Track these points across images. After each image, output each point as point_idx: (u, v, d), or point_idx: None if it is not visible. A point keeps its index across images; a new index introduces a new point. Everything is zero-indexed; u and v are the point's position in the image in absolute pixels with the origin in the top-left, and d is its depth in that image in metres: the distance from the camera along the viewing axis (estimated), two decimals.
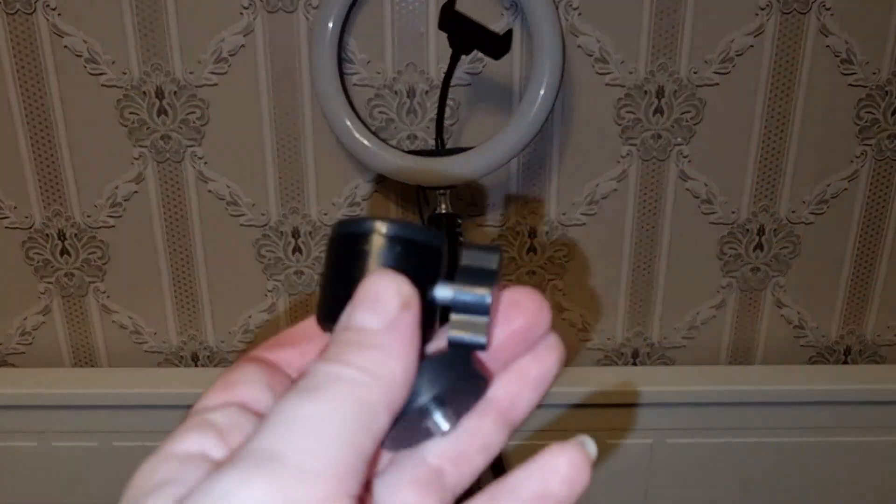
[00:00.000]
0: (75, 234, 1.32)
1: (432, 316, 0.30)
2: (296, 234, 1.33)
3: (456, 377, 0.29)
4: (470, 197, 1.32)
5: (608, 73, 1.25)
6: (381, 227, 0.30)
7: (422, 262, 0.30)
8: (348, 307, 0.28)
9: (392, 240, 0.29)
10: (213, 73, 1.23)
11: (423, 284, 0.30)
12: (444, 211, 1.19)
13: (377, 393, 0.26)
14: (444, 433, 0.30)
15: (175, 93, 1.24)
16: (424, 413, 0.29)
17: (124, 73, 1.23)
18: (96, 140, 1.27)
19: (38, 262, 1.34)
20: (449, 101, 1.24)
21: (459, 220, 1.19)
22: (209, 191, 1.30)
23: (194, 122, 1.26)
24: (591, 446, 0.29)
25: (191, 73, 1.23)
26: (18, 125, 1.26)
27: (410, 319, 0.27)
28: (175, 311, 1.37)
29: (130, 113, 1.25)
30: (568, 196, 1.32)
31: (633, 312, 1.40)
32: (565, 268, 1.37)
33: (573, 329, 1.41)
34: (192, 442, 0.27)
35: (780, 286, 1.39)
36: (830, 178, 1.32)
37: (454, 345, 0.29)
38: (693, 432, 1.37)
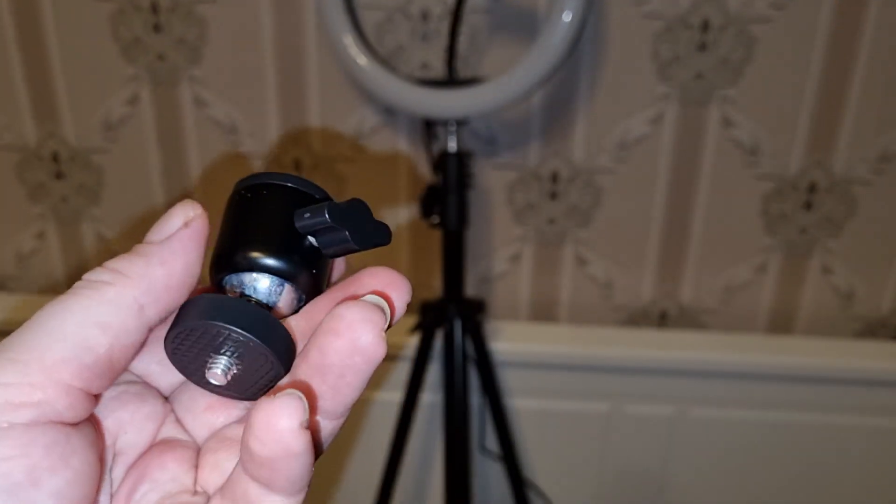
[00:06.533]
0: (70, 157, 1.25)
1: (316, 255, 0.32)
2: (297, 165, 1.24)
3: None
4: (487, 134, 1.21)
5: (646, 3, 1.12)
6: (242, 183, 0.33)
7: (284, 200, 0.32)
8: None
9: (250, 189, 0.33)
10: None
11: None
12: (452, 149, 1.08)
13: (123, 291, 0.28)
14: (216, 385, 0.31)
15: (172, 9, 1.15)
16: (208, 355, 0.30)
17: None
18: (89, 57, 1.19)
19: (32, 184, 1.28)
20: (466, 29, 1.13)
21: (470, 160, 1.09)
22: (207, 116, 1.21)
23: (192, 42, 1.17)
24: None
25: None
26: (10, 39, 1.18)
27: (189, 233, 0.30)
28: None
29: (125, 29, 1.16)
30: (596, 138, 1.20)
31: (663, 270, 1.28)
32: (590, 217, 1.25)
33: (596, 285, 1.30)
34: None
35: (830, 251, 1.25)
36: (894, 133, 1.17)
37: (302, 229, 0.32)
38: (721, 405, 1.26)
